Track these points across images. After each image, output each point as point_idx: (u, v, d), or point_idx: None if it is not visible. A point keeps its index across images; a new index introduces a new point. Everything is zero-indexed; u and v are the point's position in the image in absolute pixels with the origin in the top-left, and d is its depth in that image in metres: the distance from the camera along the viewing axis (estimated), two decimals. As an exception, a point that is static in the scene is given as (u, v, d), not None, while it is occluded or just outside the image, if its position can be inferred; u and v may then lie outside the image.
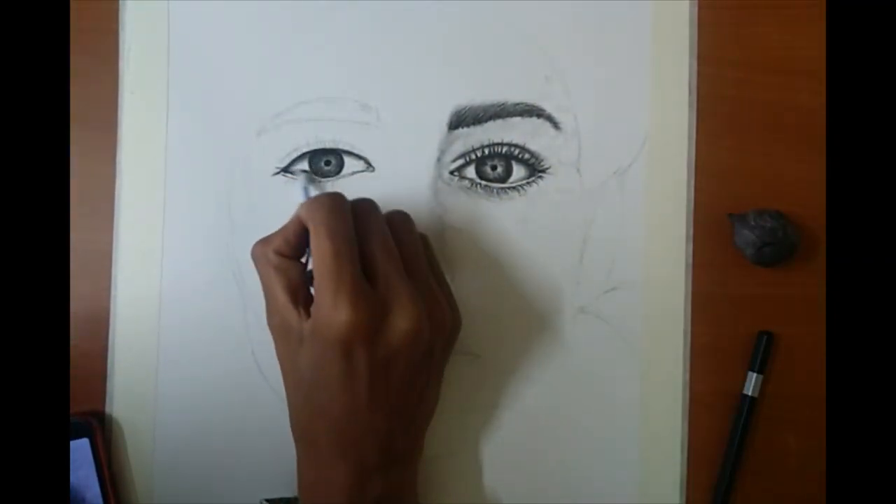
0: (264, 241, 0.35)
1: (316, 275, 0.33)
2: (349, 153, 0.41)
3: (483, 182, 0.41)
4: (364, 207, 0.35)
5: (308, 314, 0.34)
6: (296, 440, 0.36)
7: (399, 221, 0.37)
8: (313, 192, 0.36)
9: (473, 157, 0.41)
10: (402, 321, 0.33)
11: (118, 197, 0.42)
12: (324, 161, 0.41)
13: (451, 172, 0.41)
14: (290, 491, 0.40)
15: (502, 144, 0.41)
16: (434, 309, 0.35)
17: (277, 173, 0.41)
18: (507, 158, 0.41)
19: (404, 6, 0.41)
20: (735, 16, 0.41)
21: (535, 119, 0.41)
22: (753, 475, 0.40)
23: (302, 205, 0.35)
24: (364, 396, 0.34)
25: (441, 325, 0.36)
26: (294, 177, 0.41)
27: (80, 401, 0.41)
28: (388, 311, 0.33)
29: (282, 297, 0.34)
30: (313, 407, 0.34)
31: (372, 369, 0.33)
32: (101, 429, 0.40)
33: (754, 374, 0.40)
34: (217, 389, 0.41)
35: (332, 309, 0.32)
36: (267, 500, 0.39)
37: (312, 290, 0.35)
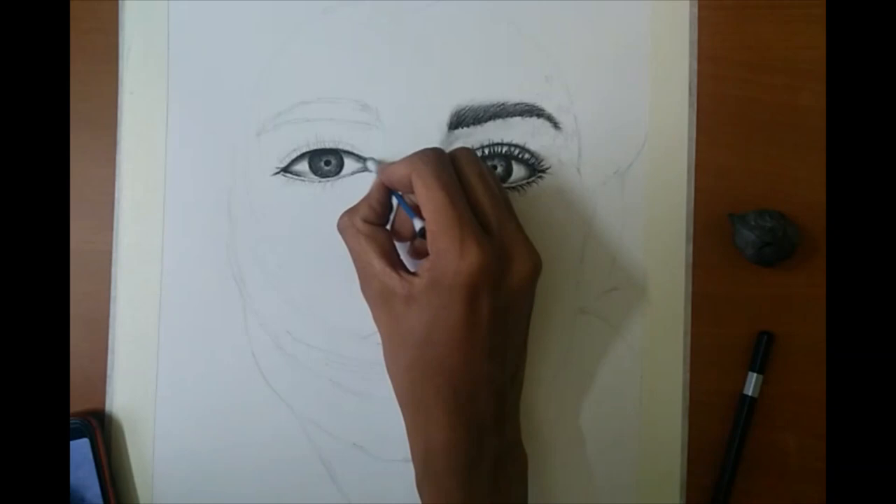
0: (350, 212, 0.36)
1: (434, 226, 0.33)
2: (349, 153, 0.41)
3: (483, 182, 0.41)
4: (461, 156, 0.35)
5: (405, 274, 0.34)
6: (403, 407, 0.36)
7: (485, 168, 0.37)
8: (376, 166, 0.38)
9: (473, 157, 0.41)
10: (522, 266, 0.34)
11: (118, 197, 0.42)
12: (324, 161, 0.41)
13: (451, 172, 0.41)
14: (291, 490, 0.40)
15: (502, 144, 0.41)
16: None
17: (277, 173, 0.41)
18: (507, 158, 0.41)
19: (404, 6, 0.41)
20: (735, 16, 0.41)
21: (535, 119, 0.41)
22: (753, 475, 0.40)
23: (404, 162, 0.34)
24: (483, 345, 0.34)
25: (540, 269, 0.36)
26: (296, 177, 0.41)
27: (80, 401, 0.41)
28: (508, 257, 0.34)
29: (378, 264, 0.35)
30: (426, 366, 0.34)
31: (493, 315, 0.34)
32: (100, 429, 0.40)
33: (754, 374, 0.40)
34: (217, 389, 0.41)
35: (459, 256, 0.32)
36: None
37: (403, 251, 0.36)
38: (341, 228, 0.36)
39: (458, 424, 0.34)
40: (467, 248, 0.32)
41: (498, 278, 0.33)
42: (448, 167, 0.34)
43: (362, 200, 0.37)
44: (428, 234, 0.34)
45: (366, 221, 0.36)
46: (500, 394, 0.35)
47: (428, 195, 0.33)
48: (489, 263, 0.33)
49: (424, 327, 0.34)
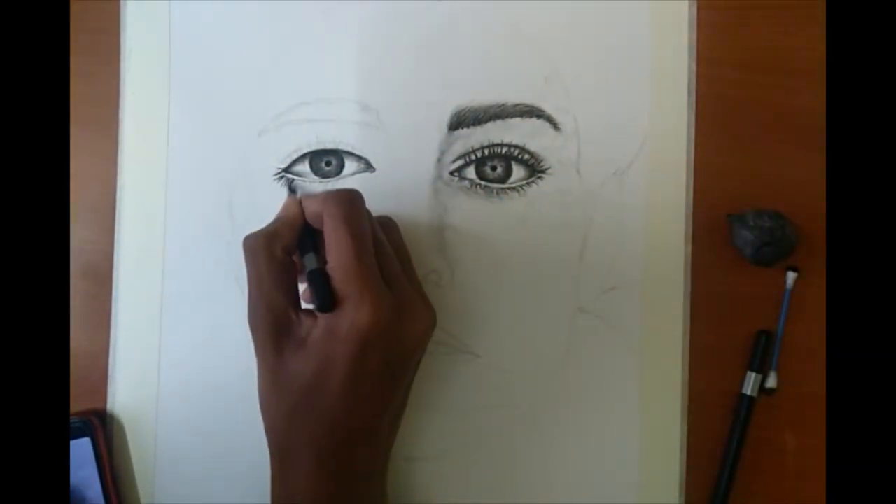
0: (269, 236, 0.34)
1: (337, 273, 0.32)
2: (350, 154, 0.41)
3: (483, 182, 0.41)
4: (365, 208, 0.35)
5: (304, 317, 0.33)
6: (274, 451, 0.34)
7: (390, 225, 0.37)
8: (300, 192, 0.36)
9: (473, 157, 0.41)
10: (418, 323, 0.34)
11: (119, 197, 0.42)
12: (324, 161, 0.41)
13: (451, 173, 0.41)
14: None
15: (502, 145, 0.41)
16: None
17: (278, 174, 0.41)
18: (507, 159, 0.41)
19: (404, 6, 0.41)
20: (734, 16, 0.41)
21: (534, 119, 0.41)
22: (753, 475, 0.40)
23: (319, 199, 0.34)
24: (369, 398, 0.33)
25: (434, 326, 0.36)
26: (297, 178, 0.41)
27: (81, 400, 0.41)
28: (405, 312, 0.33)
29: (282, 299, 0.33)
30: (306, 413, 0.33)
31: (383, 370, 0.33)
32: (102, 428, 0.41)
33: (753, 374, 0.40)
34: (218, 389, 0.41)
35: (357, 308, 0.32)
36: None
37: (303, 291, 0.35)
38: (253, 250, 0.34)
39: (328, 477, 0.33)
40: (364, 301, 0.32)
41: (392, 333, 0.33)
42: (361, 213, 0.34)
43: (283, 225, 0.35)
44: (331, 274, 0.33)
45: (284, 250, 0.34)
46: (376, 448, 0.35)
47: (336, 240, 0.32)
48: (386, 319, 0.32)
49: (312, 374, 0.32)
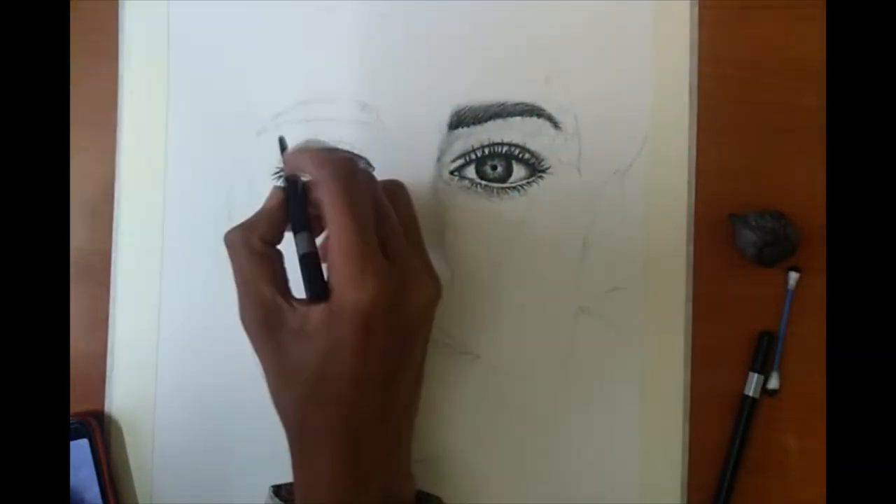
0: (246, 228, 0.33)
1: (336, 252, 0.31)
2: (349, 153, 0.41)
3: (483, 182, 0.41)
4: (372, 179, 0.34)
5: (298, 304, 0.32)
6: (292, 441, 0.34)
7: (397, 191, 0.36)
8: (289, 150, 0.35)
9: (473, 157, 0.41)
10: (420, 297, 0.33)
11: (118, 197, 0.42)
12: (324, 161, 0.41)
13: (451, 172, 0.41)
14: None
15: (502, 144, 0.41)
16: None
17: (277, 173, 0.41)
18: (508, 158, 0.41)
19: (404, 6, 0.41)
20: (736, 16, 0.41)
21: (535, 119, 0.41)
22: (753, 475, 0.40)
23: (314, 158, 0.33)
24: (380, 379, 0.32)
25: (440, 295, 0.35)
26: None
27: (80, 401, 0.41)
28: (406, 289, 0.33)
29: (268, 291, 0.32)
30: (319, 401, 0.32)
31: (391, 348, 0.32)
32: (100, 429, 0.41)
33: (755, 375, 0.40)
34: (217, 389, 0.41)
35: (358, 286, 0.31)
36: (274, 486, 0.38)
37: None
38: (232, 244, 0.33)
39: (348, 460, 0.32)
40: (366, 278, 0.31)
41: (396, 309, 0.32)
42: (360, 184, 0.33)
43: (260, 215, 0.34)
44: (329, 258, 0.32)
45: (263, 240, 0.33)
46: (395, 426, 0.34)
47: (334, 217, 0.31)
48: (386, 295, 0.31)
49: (318, 362, 0.32)
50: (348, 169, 0.33)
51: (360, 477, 0.33)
